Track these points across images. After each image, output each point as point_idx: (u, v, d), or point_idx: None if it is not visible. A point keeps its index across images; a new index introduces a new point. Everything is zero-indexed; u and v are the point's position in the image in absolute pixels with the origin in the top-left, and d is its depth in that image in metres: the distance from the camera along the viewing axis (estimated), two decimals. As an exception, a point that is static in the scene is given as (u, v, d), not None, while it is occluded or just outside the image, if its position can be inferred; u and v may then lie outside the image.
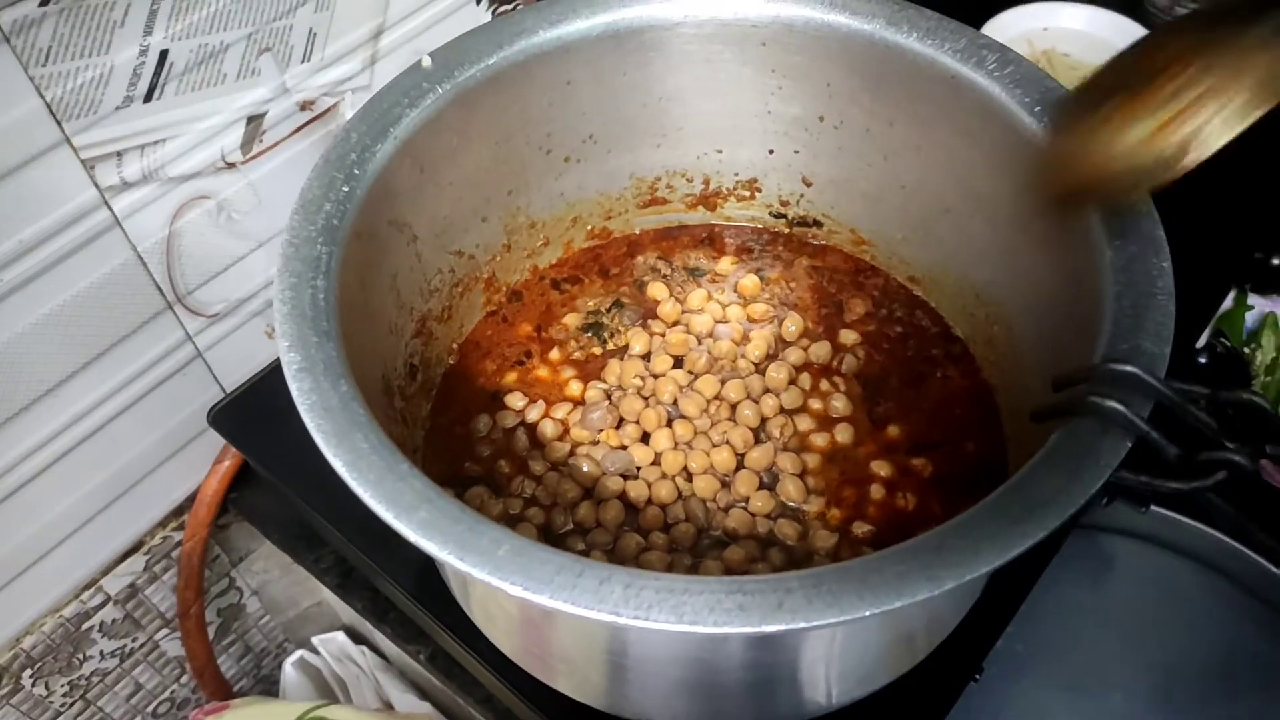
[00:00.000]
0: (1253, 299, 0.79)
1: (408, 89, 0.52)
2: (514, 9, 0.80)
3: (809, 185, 0.65)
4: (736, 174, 0.66)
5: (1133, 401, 0.37)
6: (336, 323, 0.42)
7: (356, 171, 0.48)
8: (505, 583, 0.34)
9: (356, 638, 0.85)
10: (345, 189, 0.47)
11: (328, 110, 0.70)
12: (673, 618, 0.33)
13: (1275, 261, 0.77)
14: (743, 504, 0.54)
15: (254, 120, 0.66)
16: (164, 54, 0.60)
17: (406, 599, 0.62)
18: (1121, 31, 0.86)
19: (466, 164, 0.56)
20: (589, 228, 0.68)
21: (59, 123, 0.57)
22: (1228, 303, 0.78)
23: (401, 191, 0.51)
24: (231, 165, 0.66)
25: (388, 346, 0.52)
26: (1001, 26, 0.86)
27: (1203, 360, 0.74)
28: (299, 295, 0.42)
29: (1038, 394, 0.42)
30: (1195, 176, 0.78)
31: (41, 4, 0.53)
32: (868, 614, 0.33)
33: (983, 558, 0.34)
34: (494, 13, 0.78)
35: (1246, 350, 0.78)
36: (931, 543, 0.35)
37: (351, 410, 0.39)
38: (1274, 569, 0.66)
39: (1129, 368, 0.38)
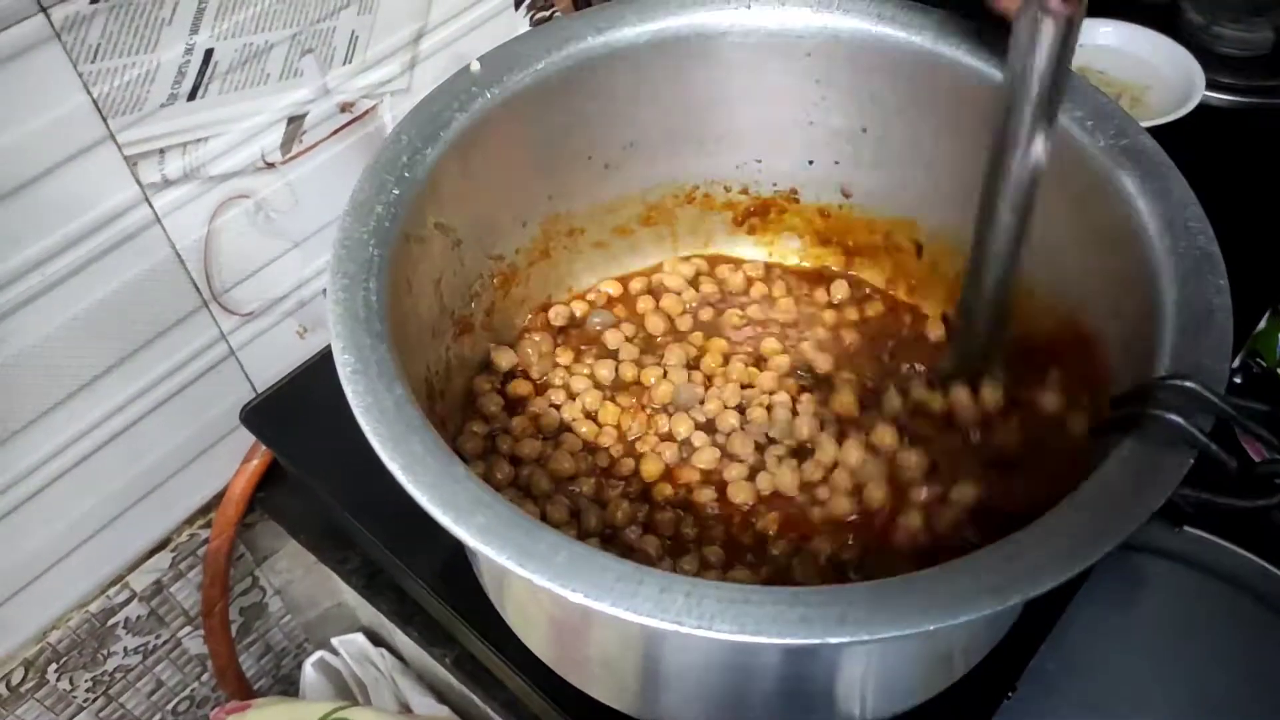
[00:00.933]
0: (1287, 320, 0.79)
1: (457, 93, 0.52)
2: (551, 15, 0.80)
3: (848, 196, 0.64)
4: (775, 184, 0.66)
5: (1194, 416, 0.37)
6: (388, 325, 0.42)
7: (406, 175, 0.48)
8: (566, 590, 0.34)
9: (376, 639, 0.85)
10: (396, 192, 0.47)
11: (366, 112, 0.70)
12: (735, 628, 0.33)
13: (1309, 283, 0.76)
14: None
15: (294, 121, 0.66)
16: (209, 53, 0.60)
17: (435, 599, 0.61)
18: (1156, 49, 0.86)
19: (510, 168, 0.56)
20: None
21: (104, 119, 0.57)
22: (1263, 324, 0.78)
23: (448, 194, 0.51)
24: (271, 165, 0.66)
25: (430, 349, 0.52)
26: (1037, 41, 0.85)
27: (1238, 380, 0.74)
28: (352, 297, 0.42)
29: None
30: (1230, 198, 0.78)
31: (93, 1, 0.53)
32: (931, 628, 0.33)
33: (1049, 572, 0.34)
34: (532, 19, 0.78)
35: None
36: (996, 557, 0.35)
37: (406, 414, 0.39)
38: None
39: (1190, 383, 0.38)
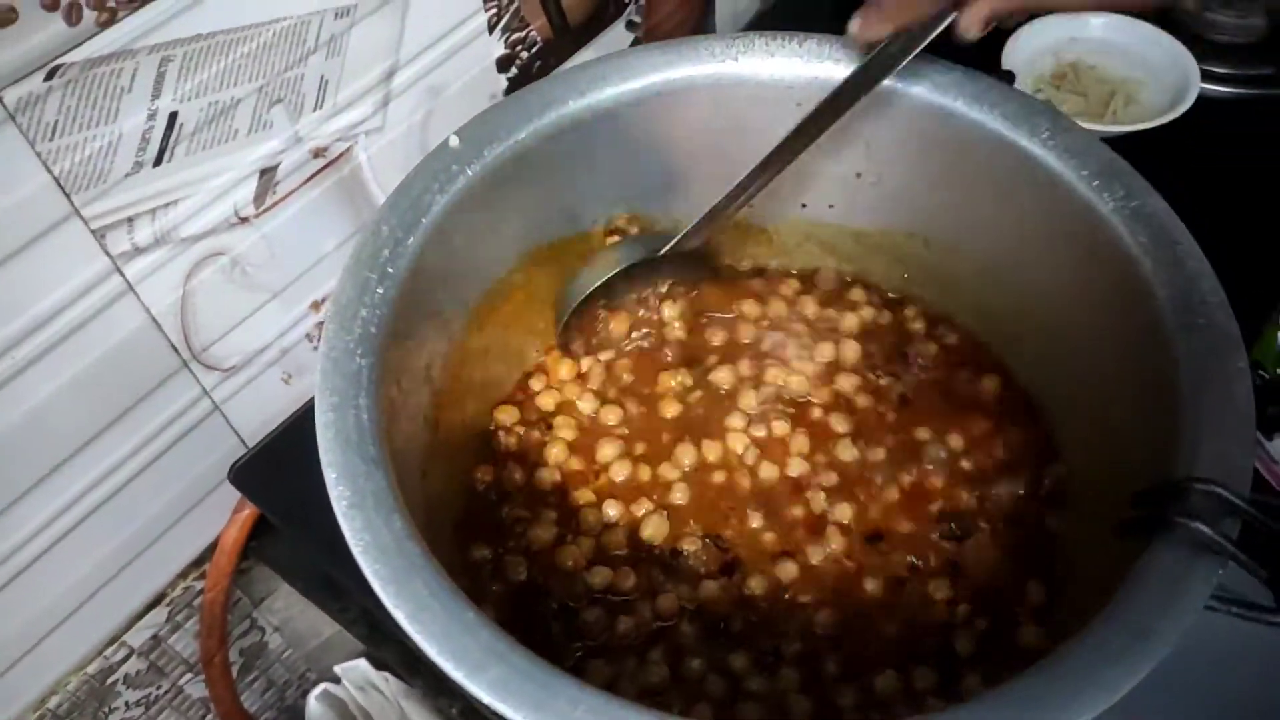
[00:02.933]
0: (1285, 322, 0.77)
1: (436, 172, 0.49)
2: (526, 35, 0.77)
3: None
4: (766, 228, 0.64)
5: (1220, 522, 0.36)
6: (382, 443, 0.40)
7: (390, 269, 0.45)
8: (588, 752, 0.33)
9: (379, 663, 0.84)
10: (380, 290, 0.45)
11: (341, 155, 0.68)
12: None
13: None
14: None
15: (267, 173, 0.64)
16: (173, 116, 0.57)
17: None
18: (1150, 42, 0.84)
19: (495, 240, 0.54)
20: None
21: (68, 196, 0.54)
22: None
23: (433, 279, 0.49)
24: (244, 220, 0.64)
25: (423, 439, 0.50)
26: (1027, 39, 0.83)
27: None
28: (342, 418, 0.40)
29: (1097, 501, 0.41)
30: (1232, 200, 0.77)
31: (47, 78, 0.51)
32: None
33: (1085, 705, 0.33)
34: (506, 41, 0.75)
35: (1279, 373, 0.76)
36: (1031, 689, 0.34)
37: (407, 551, 0.37)
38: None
39: (1212, 487, 0.36)
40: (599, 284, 0.58)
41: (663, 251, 0.58)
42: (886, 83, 0.51)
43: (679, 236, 0.57)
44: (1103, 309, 0.48)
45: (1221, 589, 0.37)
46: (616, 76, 0.53)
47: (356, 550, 0.37)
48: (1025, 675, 0.35)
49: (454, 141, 0.50)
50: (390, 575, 0.37)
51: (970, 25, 0.47)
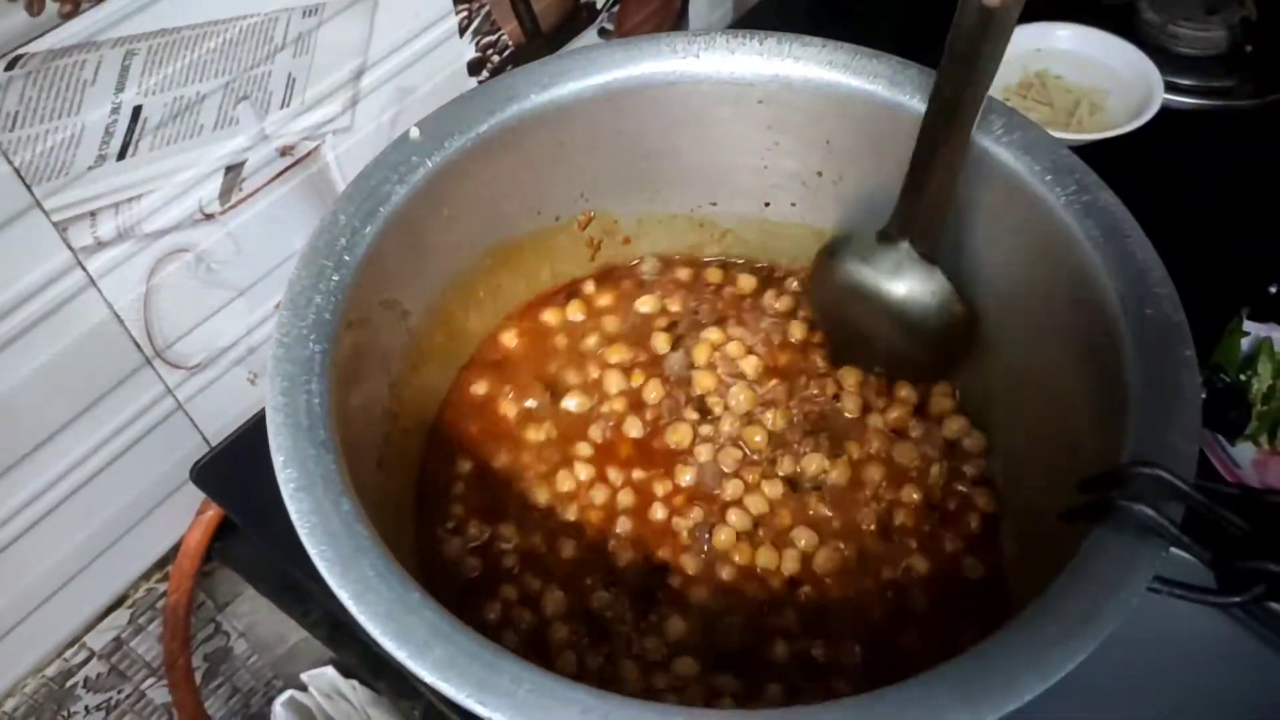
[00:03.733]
0: (1248, 325, 0.78)
1: (396, 164, 0.49)
2: (497, 39, 0.77)
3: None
4: (731, 227, 0.64)
5: (1164, 505, 0.36)
6: (333, 427, 0.40)
7: (346, 258, 0.45)
8: (528, 728, 0.33)
9: (347, 671, 0.83)
10: (335, 278, 0.45)
11: (308, 154, 0.68)
12: (703, 763, 0.32)
13: (1273, 289, 0.76)
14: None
15: (233, 169, 0.64)
16: (137, 110, 0.57)
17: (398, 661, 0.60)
18: (1115, 53, 0.85)
19: (457, 232, 0.54)
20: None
21: (29, 187, 0.54)
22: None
23: (393, 270, 0.49)
24: (210, 216, 0.64)
25: (379, 427, 0.50)
26: (995, 49, 0.84)
27: (1203, 395, 0.73)
28: (293, 403, 0.40)
29: (1046, 492, 0.41)
30: (1193, 209, 0.78)
31: (8, 68, 0.51)
32: (904, 750, 0.32)
33: (1024, 686, 0.33)
34: (478, 44, 0.76)
35: (1242, 378, 0.77)
36: (969, 669, 0.34)
37: (355, 533, 0.37)
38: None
39: (1158, 471, 0.37)
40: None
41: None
42: (840, 79, 0.52)
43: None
44: (1055, 300, 0.48)
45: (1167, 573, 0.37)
46: (578, 71, 0.53)
47: (303, 532, 0.37)
48: (968, 656, 0.35)
49: (414, 133, 0.50)
50: (336, 557, 0.37)
51: None
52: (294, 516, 0.37)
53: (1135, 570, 0.36)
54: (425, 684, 0.51)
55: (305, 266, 0.45)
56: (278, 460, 0.39)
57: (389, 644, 0.35)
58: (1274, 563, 0.34)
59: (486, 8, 0.75)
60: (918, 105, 0.51)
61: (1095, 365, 0.44)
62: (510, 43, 0.79)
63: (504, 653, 0.35)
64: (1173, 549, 0.37)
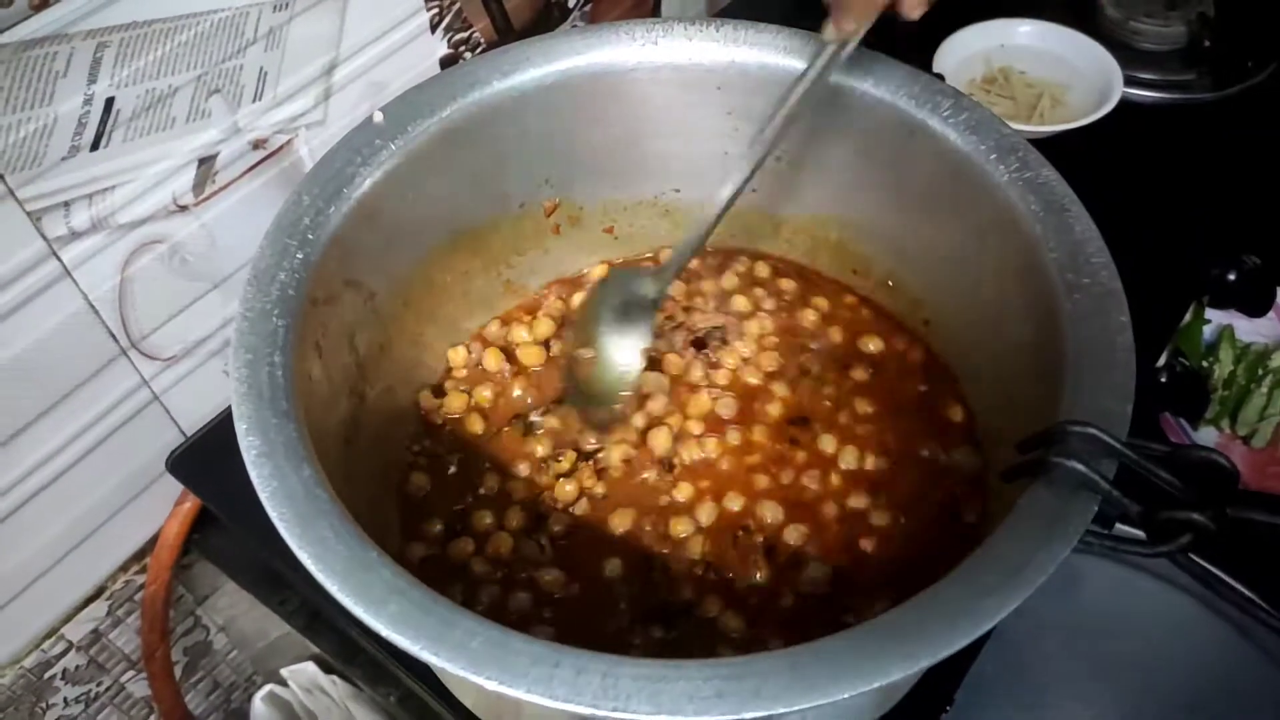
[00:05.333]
0: (1210, 313, 0.80)
1: (359, 146, 0.51)
2: (469, 36, 0.79)
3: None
4: (695, 214, 0.65)
5: (1096, 462, 0.38)
6: (296, 399, 0.41)
7: (310, 236, 0.47)
8: (480, 677, 0.34)
9: (327, 667, 0.84)
10: (299, 256, 0.46)
11: (282, 147, 0.69)
12: (651, 708, 0.33)
13: (1231, 276, 0.78)
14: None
15: (206, 162, 0.65)
16: (110, 101, 0.58)
17: (374, 648, 0.61)
18: (1076, 48, 0.87)
19: (423, 216, 0.55)
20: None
21: (2, 177, 0.55)
22: (1188, 316, 0.79)
23: (357, 251, 0.50)
24: (184, 208, 0.65)
25: (344, 404, 0.51)
26: (958, 45, 0.86)
27: (1163, 380, 0.75)
28: (255, 374, 0.41)
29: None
30: (1150, 194, 0.79)
31: (-21, 59, 0.52)
32: (845, 696, 0.34)
33: (959, 633, 0.35)
34: (450, 40, 0.77)
35: (1204, 364, 0.79)
36: (905, 618, 0.35)
37: (315, 496, 0.38)
38: (1239, 587, 0.67)
39: (1089, 429, 0.38)
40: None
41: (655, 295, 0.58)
42: (795, 65, 0.53)
43: (667, 272, 0.58)
44: (1003, 275, 0.49)
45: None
46: (540, 59, 0.54)
47: (264, 496, 0.38)
48: (907, 606, 0.36)
49: (378, 117, 0.51)
50: (296, 519, 0.38)
51: (914, 5, 0.48)
52: (255, 481, 0.39)
53: (1067, 523, 0.37)
54: (404, 671, 0.52)
55: (270, 244, 0.46)
56: (240, 428, 0.40)
57: (347, 600, 0.36)
58: (1199, 513, 0.35)
59: (458, 5, 0.76)
60: (869, 89, 0.53)
61: (1042, 334, 0.46)
62: (483, 40, 0.80)
63: (458, 609, 0.36)
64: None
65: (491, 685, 0.34)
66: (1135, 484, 0.38)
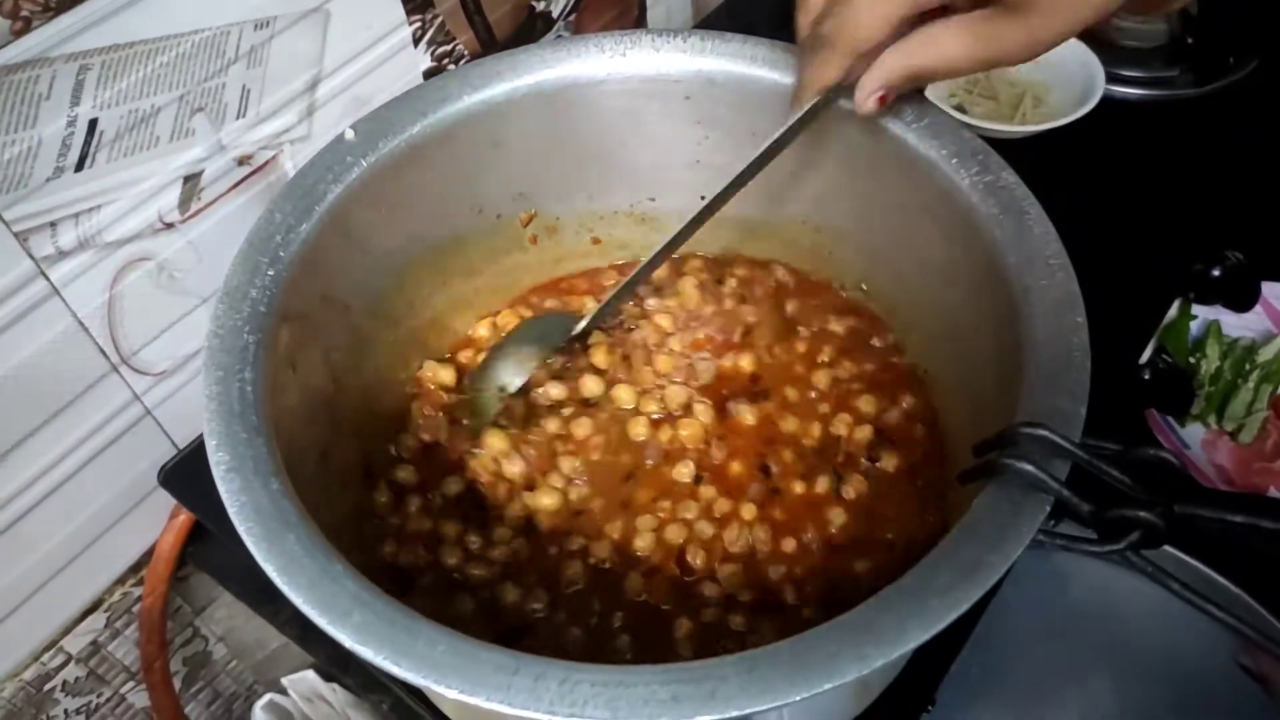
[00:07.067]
0: (1196, 309, 0.80)
1: (331, 164, 0.51)
2: (453, 49, 0.80)
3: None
4: (670, 223, 0.66)
5: (1047, 462, 0.38)
6: (266, 415, 0.42)
7: (282, 254, 0.47)
8: (442, 686, 0.35)
9: (327, 675, 0.85)
10: (270, 273, 0.47)
11: (267, 163, 0.70)
12: (608, 713, 0.34)
13: (1215, 272, 0.78)
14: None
15: (191, 179, 0.66)
16: (93, 123, 0.59)
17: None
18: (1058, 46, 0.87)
19: (397, 231, 0.56)
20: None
21: (-12, 200, 0.56)
22: (1172, 312, 0.79)
23: (331, 267, 0.51)
24: (170, 225, 0.66)
25: (323, 420, 0.52)
26: (939, 46, 0.86)
27: (1146, 376, 0.75)
28: (226, 390, 0.42)
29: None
30: (1133, 191, 0.79)
31: (-38, 85, 0.53)
32: (799, 698, 0.34)
33: (910, 633, 0.35)
34: (433, 54, 0.78)
35: (1191, 360, 0.79)
36: (860, 620, 0.36)
37: (282, 509, 0.39)
38: (1221, 580, 0.67)
39: (1039, 430, 0.39)
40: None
41: (573, 333, 0.60)
42: (761, 74, 0.54)
43: (584, 323, 0.60)
44: (966, 279, 0.50)
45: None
46: (510, 72, 0.55)
47: (232, 510, 0.39)
48: (862, 607, 0.37)
49: (349, 134, 0.52)
50: (263, 533, 0.38)
51: (863, 100, 0.48)
52: (224, 496, 0.39)
53: (1020, 523, 0.37)
54: (395, 679, 0.53)
55: (242, 261, 0.47)
56: (210, 444, 0.41)
57: (311, 612, 0.37)
58: (1146, 511, 0.36)
59: (440, 18, 0.77)
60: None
61: (1003, 336, 0.46)
62: (466, 52, 0.81)
63: (421, 618, 0.37)
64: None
65: (452, 694, 0.34)
66: (1093, 484, 0.39)
